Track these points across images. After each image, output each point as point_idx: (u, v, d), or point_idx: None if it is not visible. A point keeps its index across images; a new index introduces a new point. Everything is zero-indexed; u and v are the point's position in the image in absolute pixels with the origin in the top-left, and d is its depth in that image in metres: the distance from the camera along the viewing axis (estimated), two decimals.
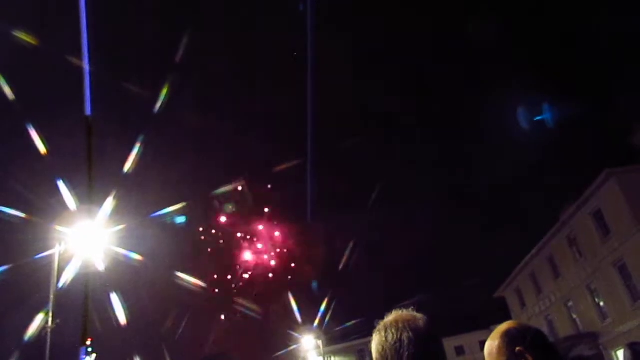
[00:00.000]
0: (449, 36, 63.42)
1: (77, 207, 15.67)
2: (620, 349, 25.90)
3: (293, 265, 45.47)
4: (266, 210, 46.46)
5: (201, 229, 45.71)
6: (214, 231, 46.03)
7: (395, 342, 1.61)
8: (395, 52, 64.26)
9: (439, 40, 64.46)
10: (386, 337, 1.65)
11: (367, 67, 67.26)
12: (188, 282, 39.65)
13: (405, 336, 1.60)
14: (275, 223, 46.70)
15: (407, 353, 1.58)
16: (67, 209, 15.57)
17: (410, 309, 1.74)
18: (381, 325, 1.71)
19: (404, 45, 63.48)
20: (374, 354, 1.69)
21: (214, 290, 43.93)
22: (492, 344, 2.12)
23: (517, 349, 2.02)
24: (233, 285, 44.59)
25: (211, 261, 44.73)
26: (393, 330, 1.64)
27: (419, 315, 1.69)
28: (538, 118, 34.15)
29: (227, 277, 44.45)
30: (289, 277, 45.32)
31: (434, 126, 70.61)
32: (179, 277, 39.43)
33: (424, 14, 62.84)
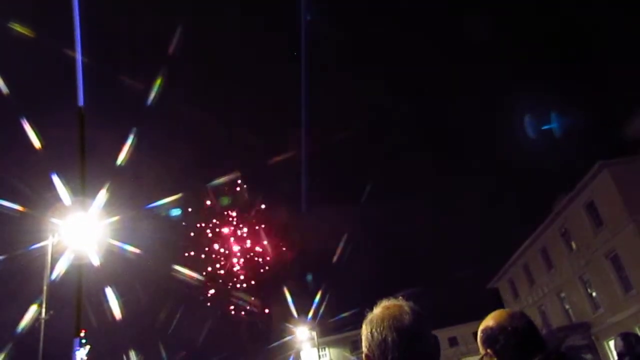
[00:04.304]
0: (447, 36, 63.37)
1: (71, 199, 15.59)
2: (611, 339, 26.15)
3: (288, 256, 45.52)
4: (261, 204, 46.46)
5: (196, 224, 45.67)
6: (208, 224, 46.01)
7: (379, 343, 1.63)
8: (395, 52, 64.17)
9: (438, 39, 64.38)
10: (372, 335, 1.66)
11: (364, 64, 67.11)
12: (183, 275, 39.68)
13: (389, 338, 1.62)
14: (270, 214, 46.75)
15: (391, 356, 1.60)
16: (61, 201, 15.50)
17: (399, 299, 1.74)
18: (368, 318, 1.71)
19: (404, 44, 63.37)
20: (363, 346, 1.70)
21: (210, 283, 43.95)
22: (478, 334, 2.20)
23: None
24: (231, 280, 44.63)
25: (204, 254, 44.72)
26: (379, 329, 1.65)
27: (406, 308, 1.68)
28: (545, 127, 34.18)
29: (221, 270, 44.46)
30: (284, 268, 45.40)
31: (428, 122, 70.73)
32: (174, 270, 39.44)
33: (425, 14, 62.73)
